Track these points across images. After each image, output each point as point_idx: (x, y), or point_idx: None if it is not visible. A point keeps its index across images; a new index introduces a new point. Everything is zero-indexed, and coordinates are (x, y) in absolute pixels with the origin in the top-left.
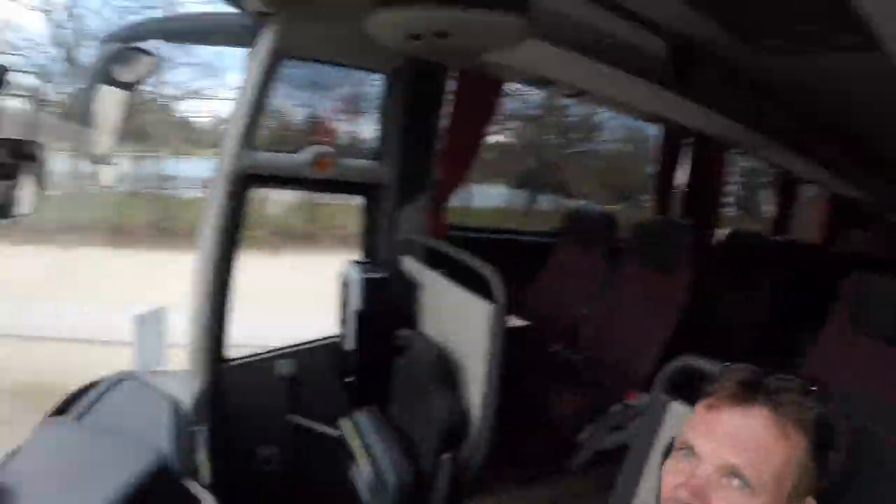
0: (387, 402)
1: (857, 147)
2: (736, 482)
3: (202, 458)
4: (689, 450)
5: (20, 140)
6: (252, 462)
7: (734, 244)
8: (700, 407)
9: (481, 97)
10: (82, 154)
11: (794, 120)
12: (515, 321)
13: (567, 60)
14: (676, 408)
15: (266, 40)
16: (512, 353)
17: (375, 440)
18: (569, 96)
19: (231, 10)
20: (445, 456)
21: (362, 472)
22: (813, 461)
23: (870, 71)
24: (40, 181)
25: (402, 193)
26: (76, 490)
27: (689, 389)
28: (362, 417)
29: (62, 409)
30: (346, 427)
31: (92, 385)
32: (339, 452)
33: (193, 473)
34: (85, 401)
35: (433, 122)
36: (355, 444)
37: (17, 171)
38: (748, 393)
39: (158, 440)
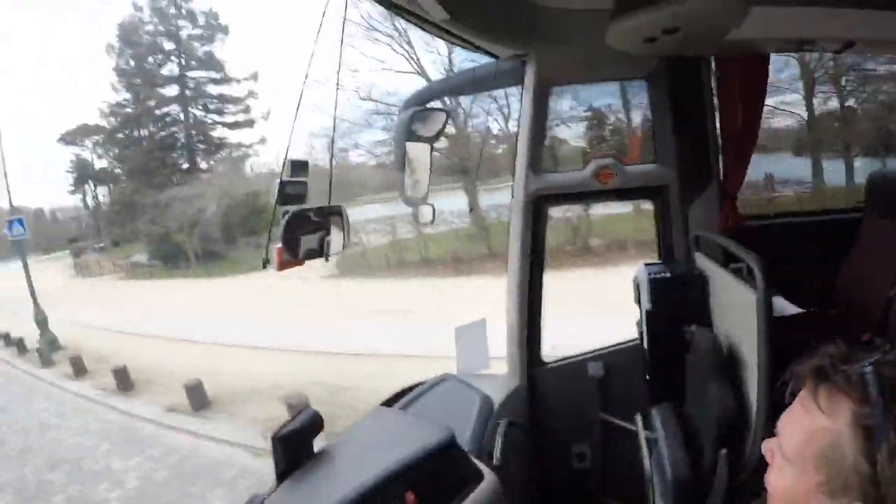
0: (681, 398)
1: None
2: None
3: (499, 446)
4: None
5: (330, 206)
6: (567, 458)
7: None
8: None
9: (746, 78)
10: (402, 199)
11: None
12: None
13: (807, 15)
14: None
15: (529, 76)
16: (812, 347)
17: (662, 435)
18: (836, 52)
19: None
20: (723, 451)
21: (647, 466)
22: (859, 445)
23: None
24: (345, 229)
25: (686, 191)
26: (377, 457)
27: None
28: (654, 413)
29: (390, 402)
30: (638, 423)
31: (418, 385)
32: (636, 447)
33: (488, 458)
34: (410, 396)
35: (704, 115)
36: (643, 439)
37: (327, 225)
38: (809, 371)
39: (464, 428)
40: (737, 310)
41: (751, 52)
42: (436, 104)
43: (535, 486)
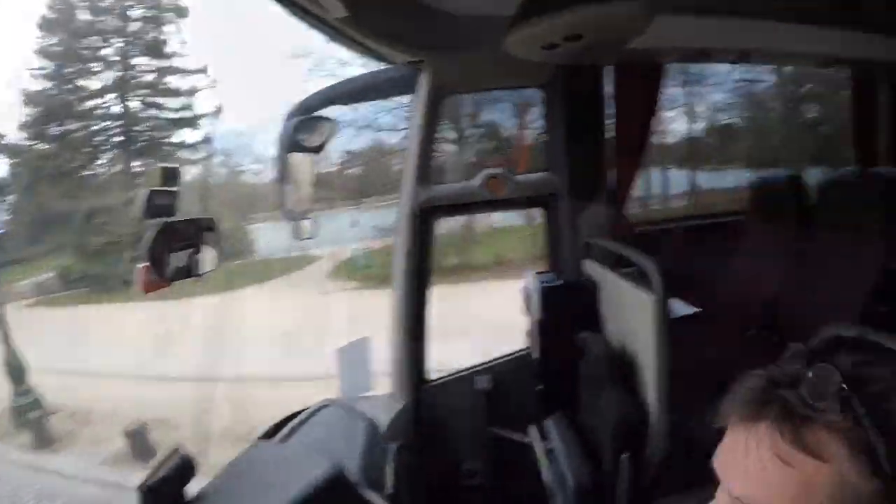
0: (574, 407)
1: None
2: None
3: (389, 472)
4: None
5: (201, 218)
6: (457, 476)
7: None
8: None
9: (641, 89)
10: (282, 212)
11: None
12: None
13: (708, 26)
14: None
15: (424, 84)
16: (703, 344)
17: (559, 445)
18: (732, 62)
19: (387, 65)
20: (624, 456)
21: (547, 478)
22: (862, 487)
23: None
24: (217, 247)
25: (576, 199)
26: (259, 500)
27: None
28: (549, 423)
29: (269, 434)
30: (533, 434)
31: (297, 413)
32: (532, 460)
33: (380, 486)
34: (290, 426)
35: (597, 125)
36: (540, 450)
37: (199, 241)
38: (755, 408)
39: (352, 457)
40: (631, 313)
41: (648, 62)
42: (324, 113)
43: None
